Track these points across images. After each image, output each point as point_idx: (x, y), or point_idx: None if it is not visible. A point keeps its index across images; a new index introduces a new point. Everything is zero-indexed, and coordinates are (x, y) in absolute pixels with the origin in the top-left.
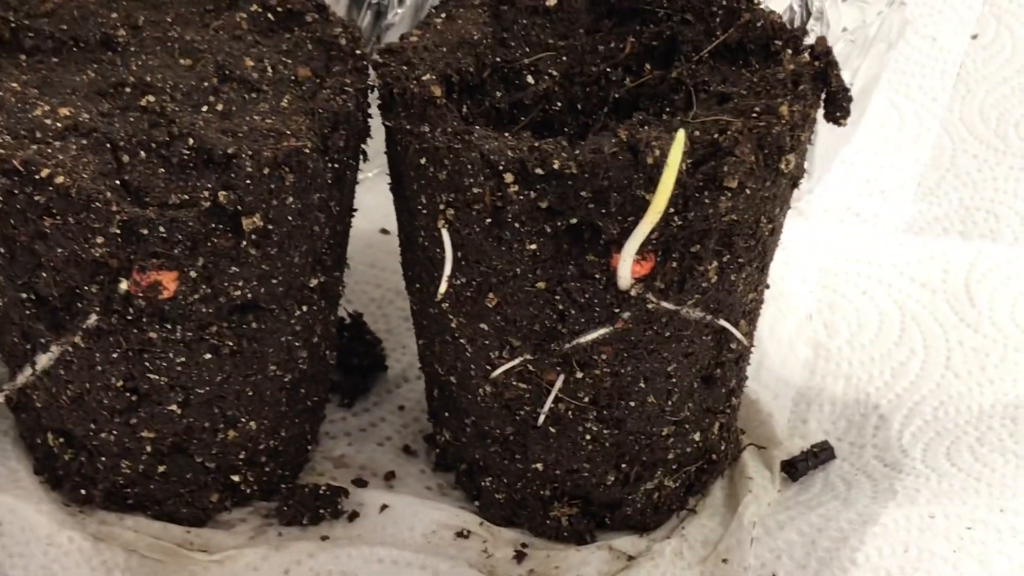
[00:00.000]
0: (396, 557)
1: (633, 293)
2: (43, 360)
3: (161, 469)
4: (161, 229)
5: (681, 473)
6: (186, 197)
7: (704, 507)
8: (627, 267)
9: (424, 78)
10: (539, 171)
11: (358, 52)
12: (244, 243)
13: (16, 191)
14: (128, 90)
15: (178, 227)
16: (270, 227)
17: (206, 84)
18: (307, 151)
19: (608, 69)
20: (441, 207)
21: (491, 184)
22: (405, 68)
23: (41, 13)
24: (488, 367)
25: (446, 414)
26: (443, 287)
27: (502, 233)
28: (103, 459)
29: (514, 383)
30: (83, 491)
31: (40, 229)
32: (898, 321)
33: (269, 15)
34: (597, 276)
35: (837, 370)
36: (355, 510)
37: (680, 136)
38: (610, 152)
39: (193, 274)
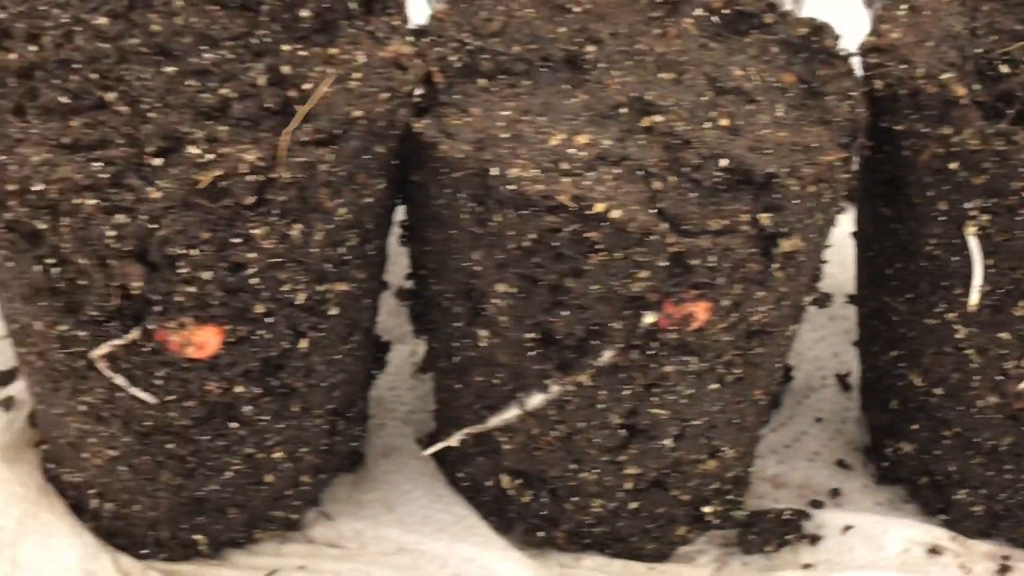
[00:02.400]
0: None
1: None
2: (535, 401)
3: (634, 506)
4: (711, 259)
5: None
6: (726, 223)
7: None
8: None
9: (943, 77)
10: None
11: (841, 53)
12: (774, 266)
13: (559, 228)
14: (624, 110)
15: (727, 255)
16: (802, 247)
17: (703, 98)
18: (839, 164)
19: None
20: (972, 213)
21: None
22: (905, 67)
23: (490, 33)
24: (999, 377)
25: (912, 426)
26: (975, 297)
27: None
28: (574, 499)
29: None
30: (541, 533)
31: (577, 267)
32: None
33: (714, 18)
34: None
35: None
36: (816, 533)
37: None
38: None
39: (726, 302)
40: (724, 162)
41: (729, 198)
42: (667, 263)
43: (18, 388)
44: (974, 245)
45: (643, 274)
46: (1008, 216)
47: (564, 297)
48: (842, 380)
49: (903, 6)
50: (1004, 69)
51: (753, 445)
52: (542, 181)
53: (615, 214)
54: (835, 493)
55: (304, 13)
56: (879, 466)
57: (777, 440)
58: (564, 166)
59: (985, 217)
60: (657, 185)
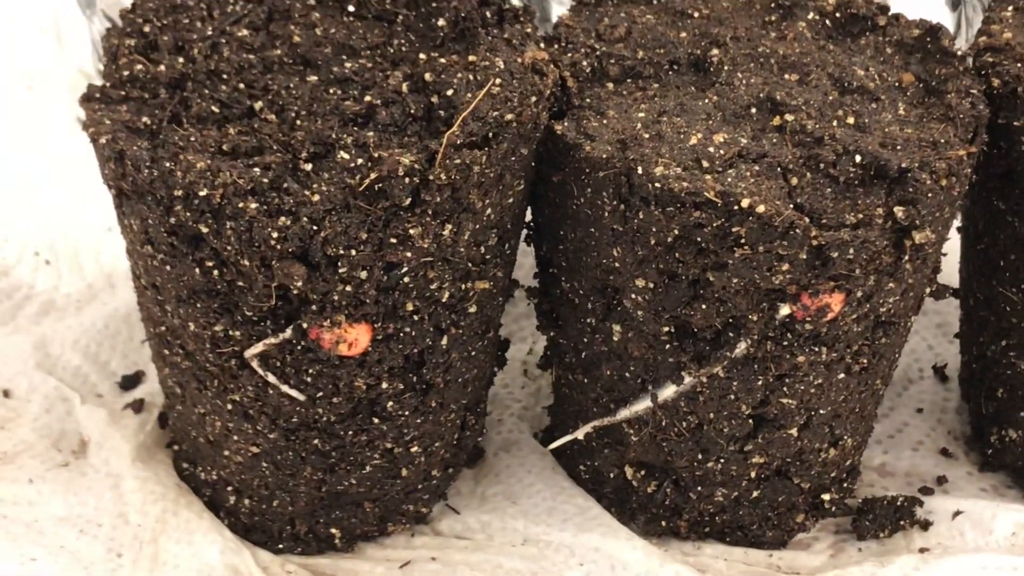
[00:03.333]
0: (999, 563)
1: None
2: (668, 392)
3: (756, 494)
4: (850, 252)
5: None
6: (862, 216)
7: None
8: None
9: None
10: None
11: (959, 52)
12: (904, 258)
13: (705, 224)
14: (755, 110)
15: (864, 248)
16: (933, 239)
17: (830, 98)
18: (966, 159)
19: None
20: None
21: None
22: (1020, 65)
23: (615, 39)
24: None
25: (1021, 413)
26: None
27: None
28: (698, 489)
29: None
30: (664, 522)
31: (721, 260)
32: None
33: (827, 21)
34: None
35: None
36: (927, 519)
37: None
38: None
39: (859, 294)
40: (859, 158)
41: (864, 192)
42: (807, 256)
43: (146, 391)
44: None
45: (784, 267)
46: None
47: (704, 291)
48: (939, 372)
49: (1010, 8)
50: None
51: (869, 434)
52: (686, 179)
53: (760, 209)
54: (941, 480)
55: (440, 23)
56: (983, 453)
57: (881, 430)
58: (705, 164)
59: None
60: (794, 181)
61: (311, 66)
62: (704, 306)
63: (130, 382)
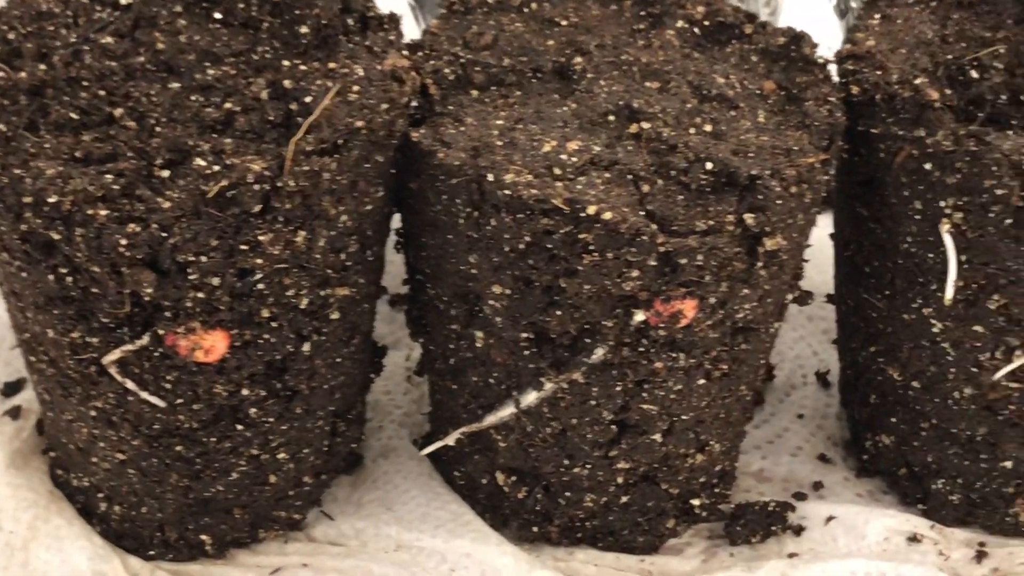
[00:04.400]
0: (868, 568)
1: None
2: (530, 398)
3: (624, 500)
4: (699, 258)
5: None
6: (712, 223)
7: None
8: None
9: (917, 81)
10: None
11: (819, 60)
12: (758, 264)
13: (553, 230)
14: (612, 118)
15: (713, 254)
16: (784, 246)
17: (688, 105)
18: (818, 166)
19: None
20: (947, 211)
21: (1016, 184)
22: (880, 73)
23: (481, 47)
24: (974, 369)
25: (891, 419)
26: (950, 292)
27: (1021, 233)
28: (566, 494)
29: (1004, 383)
30: (535, 528)
31: (571, 267)
32: None
33: (695, 29)
34: None
35: None
36: (800, 524)
37: None
38: None
39: (712, 300)
40: (709, 165)
41: (715, 200)
42: (656, 262)
43: (25, 397)
44: (949, 242)
45: (634, 273)
46: (980, 213)
47: (558, 297)
48: (822, 378)
49: (876, 16)
50: (974, 74)
51: (739, 440)
52: (536, 186)
53: (607, 215)
54: (817, 486)
55: (303, 30)
56: (859, 459)
57: (761, 436)
58: (557, 171)
59: (958, 215)
60: (646, 188)
61: (174, 73)
62: (559, 312)
63: (11, 388)
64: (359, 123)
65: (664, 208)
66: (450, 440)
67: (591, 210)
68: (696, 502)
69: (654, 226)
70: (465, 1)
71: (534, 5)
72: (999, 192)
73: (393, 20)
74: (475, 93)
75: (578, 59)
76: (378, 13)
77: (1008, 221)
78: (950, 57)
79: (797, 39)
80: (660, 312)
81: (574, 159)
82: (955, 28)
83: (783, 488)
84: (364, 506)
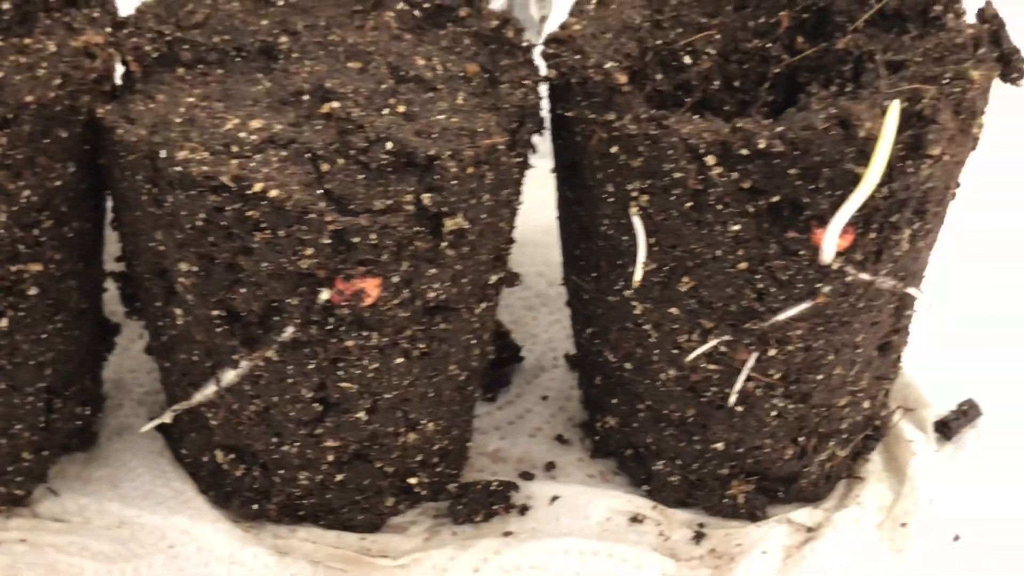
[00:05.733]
0: (582, 547)
1: (834, 267)
2: (229, 376)
3: (339, 478)
4: (372, 236)
5: (851, 442)
6: (390, 202)
7: (868, 473)
8: (833, 241)
9: (607, 66)
10: (743, 151)
11: (524, 44)
12: (443, 244)
13: (224, 207)
14: (306, 97)
15: (388, 233)
16: (468, 227)
17: (383, 86)
18: (502, 147)
19: (767, 45)
20: (633, 194)
21: (693, 168)
22: (579, 57)
23: (191, 25)
24: (675, 351)
25: (613, 400)
26: (638, 274)
27: (702, 216)
28: (281, 472)
29: (703, 365)
30: (255, 506)
31: (246, 245)
32: None
33: (416, 12)
34: (801, 253)
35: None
36: (525, 503)
37: (895, 107)
38: (823, 128)
39: (395, 279)
40: (389, 145)
41: (395, 179)
42: (330, 240)
43: None
44: (638, 224)
45: (308, 251)
46: (663, 196)
47: (241, 275)
48: (571, 360)
49: (593, 1)
50: (687, 60)
51: (458, 419)
52: (208, 163)
53: (273, 193)
54: (550, 466)
55: (5, 6)
56: (593, 440)
57: (502, 417)
58: (234, 149)
59: (645, 198)
60: (325, 167)
61: None
62: (244, 290)
63: None
64: (29, 98)
65: (343, 187)
66: (166, 418)
67: (258, 187)
68: (413, 481)
69: (322, 204)
70: None
71: None
72: (677, 176)
73: None
74: (181, 71)
75: (284, 39)
76: None
77: (688, 204)
78: (660, 42)
79: (506, 23)
80: (342, 290)
81: (253, 137)
82: (672, 14)
83: (516, 468)
84: (92, 483)
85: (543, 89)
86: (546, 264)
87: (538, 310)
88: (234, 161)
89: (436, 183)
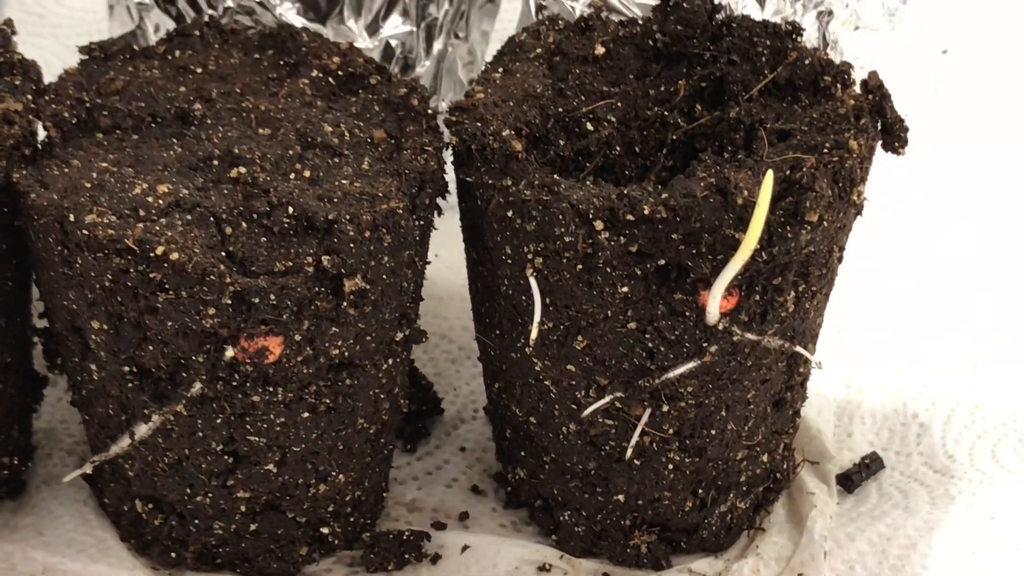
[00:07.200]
0: None
1: (720, 327)
2: (142, 430)
3: (253, 527)
4: (272, 297)
5: (751, 494)
6: (291, 264)
7: (770, 524)
8: (716, 303)
9: (504, 134)
10: (629, 217)
11: (429, 111)
12: (344, 304)
13: (129, 269)
14: (216, 163)
15: (287, 294)
16: (368, 287)
17: (290, 152)
18: (400, 212)
19: (665, 112)
20: (529, 256)
21: (582, 232)
22: (480, 124)
23: (111, 91)
24: (574, 406)
25: (522, 453)
26: (534, 333)
27: (592, 278)
28: (196, 522)
29: (600, 420)
30: (173, 554)
31: (151, 305)
32: None
33: (330, 79)
34: (687, 314)
35: (873, 382)
36: (437, 552)
37: (770, 176)
38: (702, 195)
39: (298, 337)
40: (291, 209)
41: (296, 242)
42: (231, 301)
43: None
44: (534, 285)
45: (210, 311)
46: (556, 259)
47: (148, 333)
48: (488, 412)
49: (500, 70)
50: (588, 126)
51: (370, 471)
52: (114, 227)
53: (174, 256)
54: (464, 516)
55: None
56: (506, 491)
57: (420, 467)
58: (141, 213)
59: (539, 260)
60: (228, 230)
61: None
62: (151, 348)
63: None
64: None
65: (246, 249)
66: (87, 469)
67: (159, 250)
68: (326, 530)
69: (223, 266)
70: (106, 48)
71: (177, 53)
72: (568, 239)
73: (25, 66)
74: (100, 136)
75: (198, 106)
76: (11, 59)
77: (579, 266)
78: (562, 110)
79: (413, 90)
80: (246, 348)
81: (160, 201)
82: (575, 83)
83: (431, 518)
84: (18, 530)
85: (447, 155)
86: (471, 318)
87: (462, 363)
88: (140, 225)
89: (335, 246)
